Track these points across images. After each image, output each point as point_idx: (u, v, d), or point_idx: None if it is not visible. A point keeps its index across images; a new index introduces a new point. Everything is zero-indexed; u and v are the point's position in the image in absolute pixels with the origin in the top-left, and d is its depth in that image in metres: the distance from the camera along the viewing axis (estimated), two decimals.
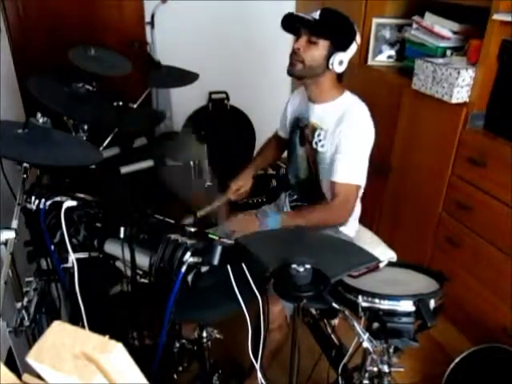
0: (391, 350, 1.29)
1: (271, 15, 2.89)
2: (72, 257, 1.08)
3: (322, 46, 1.45)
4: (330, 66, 1.47)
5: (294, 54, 1.49)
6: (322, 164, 1.59)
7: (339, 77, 1.54)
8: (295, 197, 1.79)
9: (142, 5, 2.64)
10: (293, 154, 1.74)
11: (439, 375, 1.65)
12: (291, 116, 1.76)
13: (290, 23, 1.49)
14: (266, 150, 1.97)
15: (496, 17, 1.64)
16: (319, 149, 1.58)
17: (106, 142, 2.00)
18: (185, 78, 2.20)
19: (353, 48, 1.48)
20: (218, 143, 2.95)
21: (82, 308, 1.08)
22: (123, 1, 2.59)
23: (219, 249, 0.97)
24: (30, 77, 1.71)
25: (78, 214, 1.11)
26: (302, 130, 1.66)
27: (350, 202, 1.51)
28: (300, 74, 1.52)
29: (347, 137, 1.49)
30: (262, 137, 3.10)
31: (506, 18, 1.61)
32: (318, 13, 1.45)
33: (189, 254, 0.97)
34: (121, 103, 2.03)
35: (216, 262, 0.97)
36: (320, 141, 1.57)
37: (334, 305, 1.25)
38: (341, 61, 1.46)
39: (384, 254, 1.61)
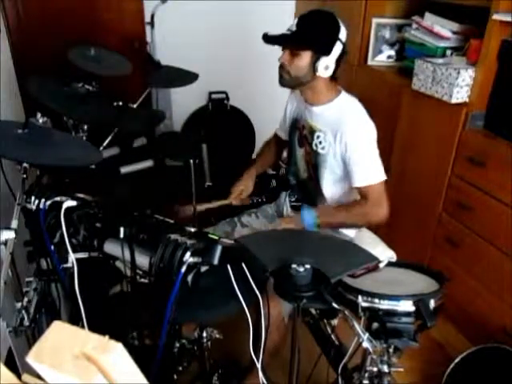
0: (391, 350, 1.29)
1: (271, 15, 2.92)
2: (72, 257, 1.08)
3: (305, 55, 1.45)
4: (317, 73, 1.46)
5: (281, 68, 1.50)
6: (323, 165, 1.59)
7: (333, 77, 1.53)
8: (295, 197, 1.79)
9: (141, 5, 2.64)
10: (292, 154, 1.74)
11: (439, 375, 1.66)
12: (290, 116, 1.76)
13: (271, 41, 1.48)
14: (266, 152, 1.97)
15: (496, 17, 1.64)
16: (319, 150, 1.58)
17: (106, 141, 2.00)
18: (185, 78, 2.20)
19: (337, 48, 1.45)
20: (218, 143, 2.95)
21: (82, 308, 1.08)
22: (123, 1, 2.59)
23: (219, 249, 0.97)
24: (29, 77, 1.71)
25: (78, 214, 1.11)
26: (300, 131, 1.66)
27: (382, 198, 1.51)
28: (290, 85, 1.55)
29: (352, 144, 1.49)
30: (262, 137, 3.09)
31: (506, 18, 1.61)
32: (296, 22, 1.45)
33: (189, 253, 0.97)
34: (121, 103, 2.04)
35: (216, 261, 0.97)
36: (320, 143, 1.57)
37: (334, 305, 1.24)
38: (326, 66, 1.45)
39: (384, 253, 1.61)
